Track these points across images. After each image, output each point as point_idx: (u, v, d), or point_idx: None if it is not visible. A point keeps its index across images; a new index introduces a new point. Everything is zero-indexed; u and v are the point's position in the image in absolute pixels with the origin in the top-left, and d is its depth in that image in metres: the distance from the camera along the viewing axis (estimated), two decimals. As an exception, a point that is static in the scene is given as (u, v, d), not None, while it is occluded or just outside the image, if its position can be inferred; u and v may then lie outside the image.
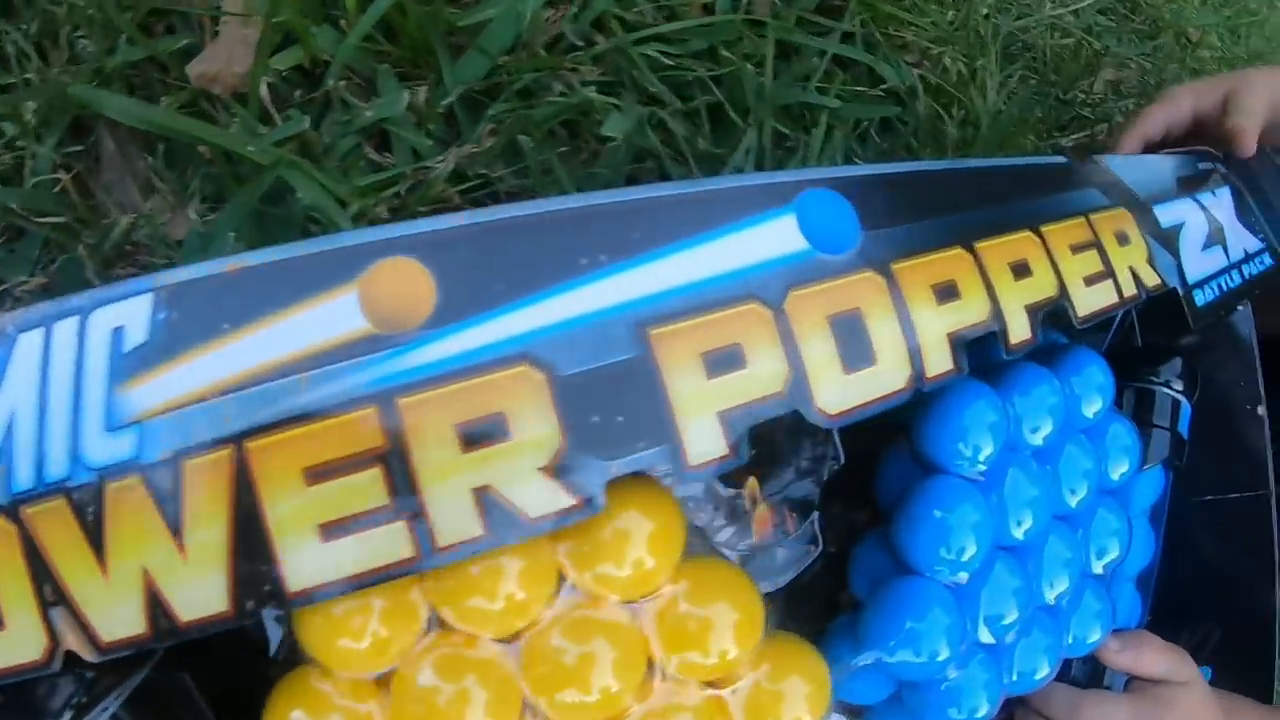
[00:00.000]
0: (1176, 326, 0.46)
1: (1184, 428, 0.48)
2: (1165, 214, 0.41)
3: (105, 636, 0.22)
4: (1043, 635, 0.38)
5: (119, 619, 0.22)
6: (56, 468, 0.22)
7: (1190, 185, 0.45)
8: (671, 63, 0.49)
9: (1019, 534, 0.36)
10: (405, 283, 0.24)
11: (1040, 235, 0.34)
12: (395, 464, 0.23)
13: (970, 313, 0.31)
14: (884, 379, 0.29)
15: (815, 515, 0.38)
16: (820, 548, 0.39)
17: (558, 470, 0.24)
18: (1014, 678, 0.37)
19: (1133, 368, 0.47)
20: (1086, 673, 0.45)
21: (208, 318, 0.23)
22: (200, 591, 0.22)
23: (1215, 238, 0.44)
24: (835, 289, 0.29)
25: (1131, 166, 0.41)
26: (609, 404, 0.25)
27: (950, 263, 0.31)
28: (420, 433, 0.23)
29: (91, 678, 0.27)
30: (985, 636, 0.35)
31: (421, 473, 0.23)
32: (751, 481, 0.37)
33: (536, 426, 0.24)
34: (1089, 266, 0.35)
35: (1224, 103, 0.51)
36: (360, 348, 0.23)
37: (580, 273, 0.25)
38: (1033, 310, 0.33)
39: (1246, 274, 0.45)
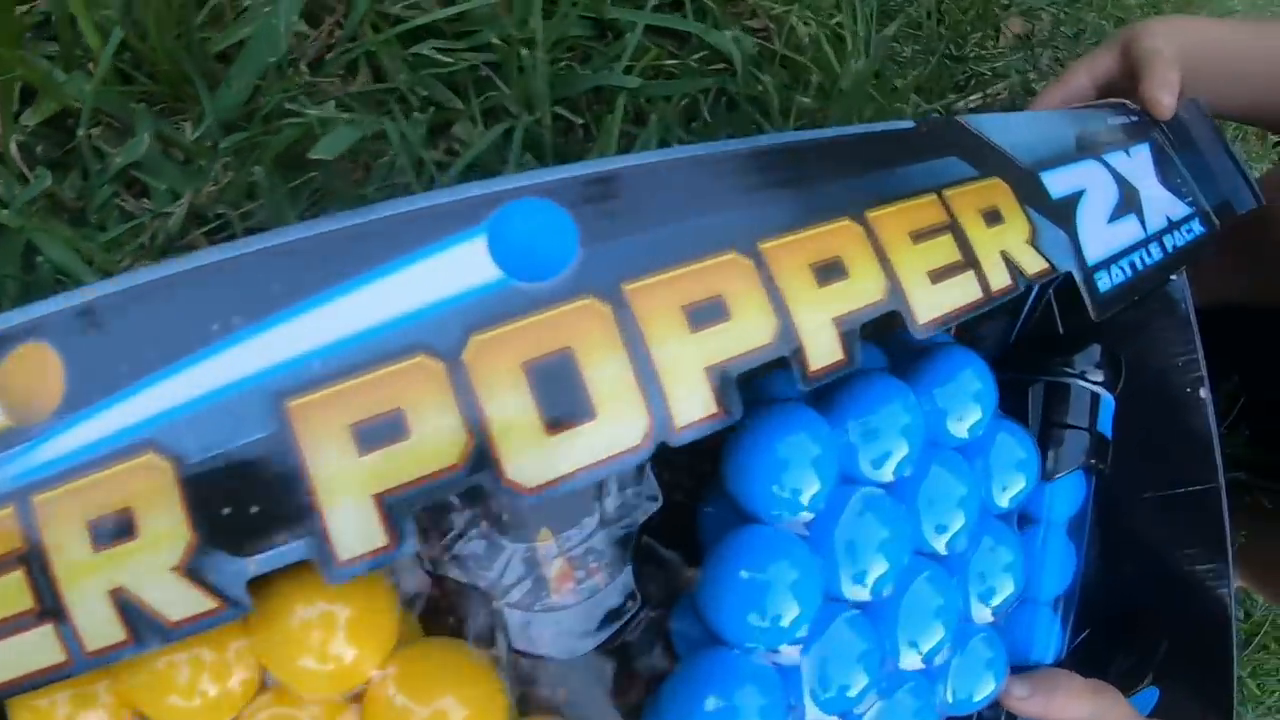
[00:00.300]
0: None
1: (1105, 425, 0.40)
2: (1058, 181, 0.33)
3: None
4: (911, 699, 0.31)
5: None
6: None
7: (1096, 144, 0.37)
8: (452, 60, 0.42)
9: (861, 591, 0.29)
10: (35, 369, 0.21)
11: (865, 223, 0.27)
12: (36, 566, 0.21)
13: (743, 339, 0.24)
14: (609, 434, 0.23)
15: (628, 568, 0.32)
16: (639, 603, 0.33)
17: (190, 570, 0.21)
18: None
19: (1042, 359, 0.40)
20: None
21: None
22: None
23: (1128, 205, 0.36)
24: (536, 326, 0.22)
25: (1012, 126, 0.33)
26: (242, 492, 0.21)
27: (718, 274, 0.24)
28: (54, 532, 0.21)
29: None
30: (816, 714, 0.29)
31: (60, 575, 0.21)
32: (544, 533, 0.31)
33: (164, 522, 0.21)
34: (939, 257, 0.28)
35: (1130, 67, 0.45)
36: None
37: (211, 341, 0.21)
38: (844, 323, 0.26)
39: (1170, 246, 0.37)
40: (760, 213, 0.26)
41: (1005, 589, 0.34)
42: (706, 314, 0.24)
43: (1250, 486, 0.61)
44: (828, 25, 0.52)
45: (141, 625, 0.21)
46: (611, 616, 0.32)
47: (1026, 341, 0.41)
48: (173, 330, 0.21)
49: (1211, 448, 0.42)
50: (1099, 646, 0.51)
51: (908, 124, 0.30)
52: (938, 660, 0.32)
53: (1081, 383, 0.39)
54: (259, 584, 0.21)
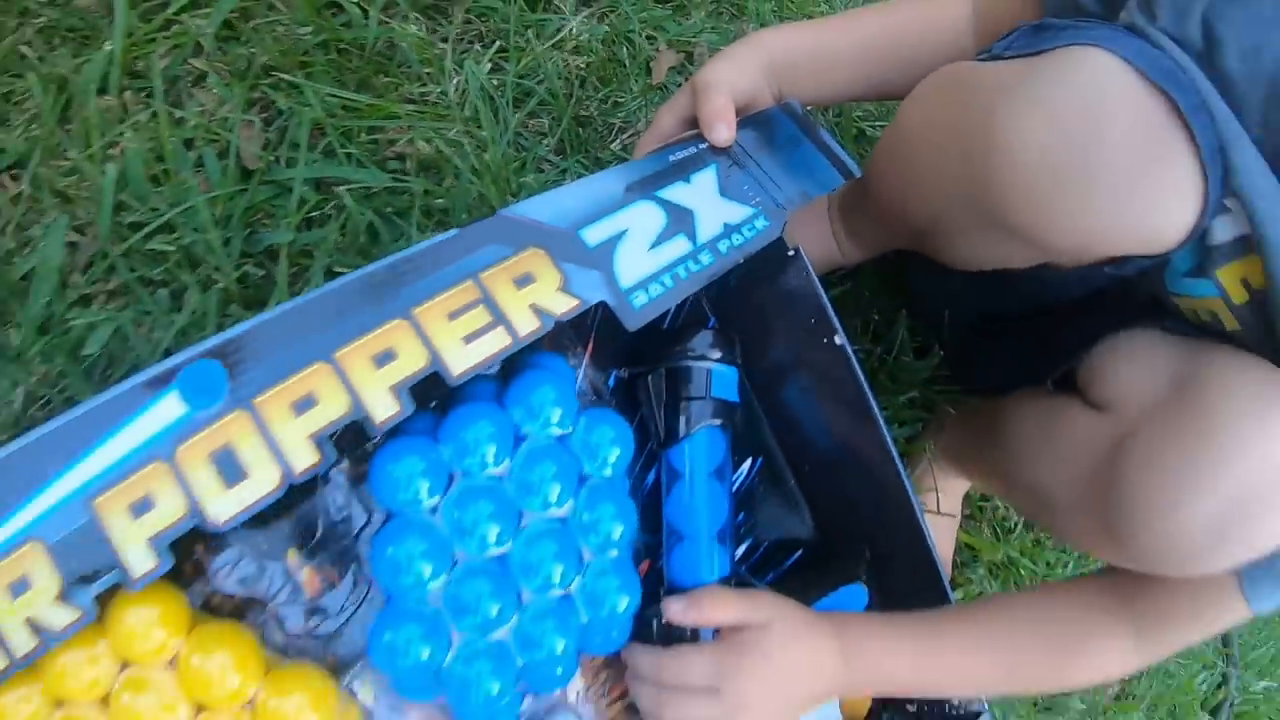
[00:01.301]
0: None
1: (725, 391, 0.53)
2: (596, 232, 0.47)
3: None
4: (554, 619, 0.46)
5: None
6: None
7: (653, 182, 0.49)
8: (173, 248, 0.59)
9: (481, 548, 0.44)
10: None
11: (411, 318, 0.42)
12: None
13: (330, 411, 0.40)
14: (258, 484, 0.39)
15: (353, 566, 0.48)
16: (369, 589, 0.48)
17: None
18: (527, 659, 0.46)
19: (663, 352, 0.54)
20: (674, 633, 0.52)
21: None
22: None
23: (677, 227, 0.49)
24: (211, 433, 0.39)
25: (558, 199, 0.47)
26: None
27: (310, 379, 0.40)
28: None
29: None
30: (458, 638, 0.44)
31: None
32: (291, 551, 0.47)
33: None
34: (471, 325, 0.43)
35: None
36: None
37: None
38: (399, 388, 0.41)
39: (726, 247, 0.49)
40: (344, 326, 0.42)
41: (616, 530, 0.48)
42: (305, 404, 0.40)
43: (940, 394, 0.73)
44: (448, 138, 0.66)
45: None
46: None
47: (646, 340, 0.54)
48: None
49: (860, 385, 0.53)
50: (816, 566, 0.63)
51: (452, 233, 0.45)
52: (556, 593, 0.46)
53: (698, 363, 0.53)
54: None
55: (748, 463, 0.60)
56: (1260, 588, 0.49)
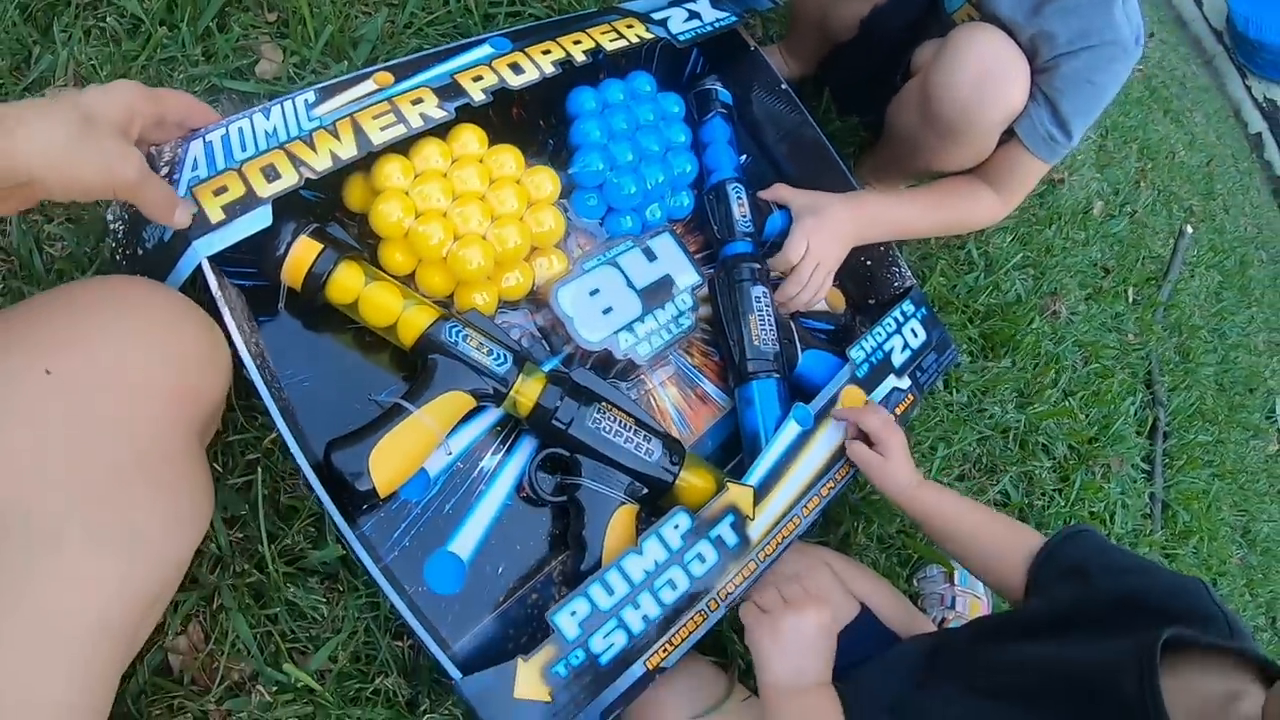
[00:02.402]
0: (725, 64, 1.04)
1: (725, 98, 1.03)
2: (659, 14, 0.98)
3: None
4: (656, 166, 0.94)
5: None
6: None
7: None
8: None
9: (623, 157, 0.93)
10: None
11: (586, 33, 0.93)
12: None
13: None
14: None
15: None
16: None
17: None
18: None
19: (695, 87, 1.05)
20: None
21: None
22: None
23: (694, 17, 1.00)
24: None
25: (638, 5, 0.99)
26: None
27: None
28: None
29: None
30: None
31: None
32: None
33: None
34: (619, 39, 0.93)
35: None
36: None
37: None
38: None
39: (717, 25, 1.00)
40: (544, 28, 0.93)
41: (680, 137, 0.97)
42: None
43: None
44: None
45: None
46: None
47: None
48: None
49: (818, 137, 1.04)
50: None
51: (591, 10, 0.97)
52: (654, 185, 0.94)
53: (711, 85, 1.03)
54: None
55: (743, 155, 1.09)
56: (1037, 148, 0.96)
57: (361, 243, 0.80)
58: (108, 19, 0.83)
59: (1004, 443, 1.23)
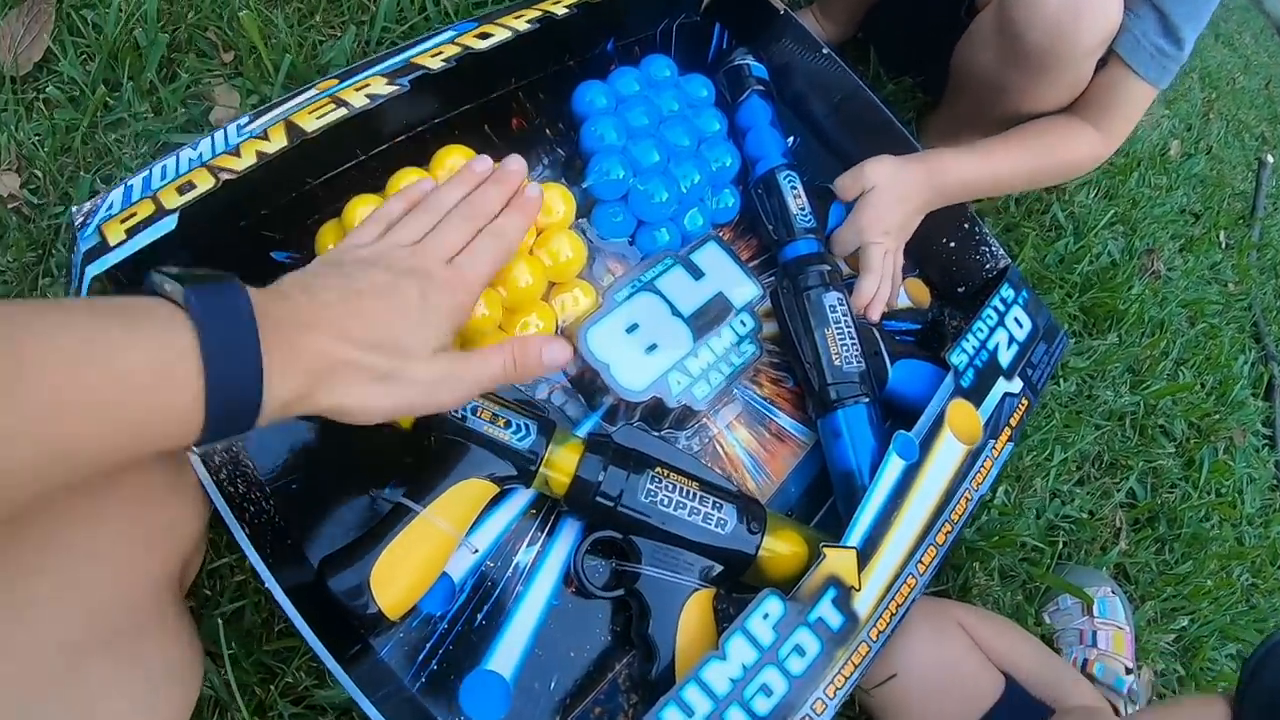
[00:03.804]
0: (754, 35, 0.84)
1: (759, 73, 0.84)
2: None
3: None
4: (691, 164, 0.75)
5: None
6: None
7: None
8: None
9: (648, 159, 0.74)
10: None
11: None
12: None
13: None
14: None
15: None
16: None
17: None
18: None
19: (724, 65, 0.85)
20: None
21: None
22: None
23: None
24: None
25: None
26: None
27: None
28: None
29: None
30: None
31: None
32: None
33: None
34: None
35: None
36: None
37: None
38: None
39: None
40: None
41: (715, 124, 0.78)
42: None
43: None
44: None
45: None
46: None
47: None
48: None
49: (872, 102, 0.84)
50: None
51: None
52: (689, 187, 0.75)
53: (742, 60, 0.84)
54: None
55: (791, 137, 0.89)
56: (1144, 67, 0.76)
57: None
58: (49, 88, 0.70)
59: (1121, 432, 1.02)
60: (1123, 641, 0.83)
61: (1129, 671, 0.80)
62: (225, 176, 0.53)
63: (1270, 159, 1.78)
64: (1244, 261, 1.45)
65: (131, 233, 0.50)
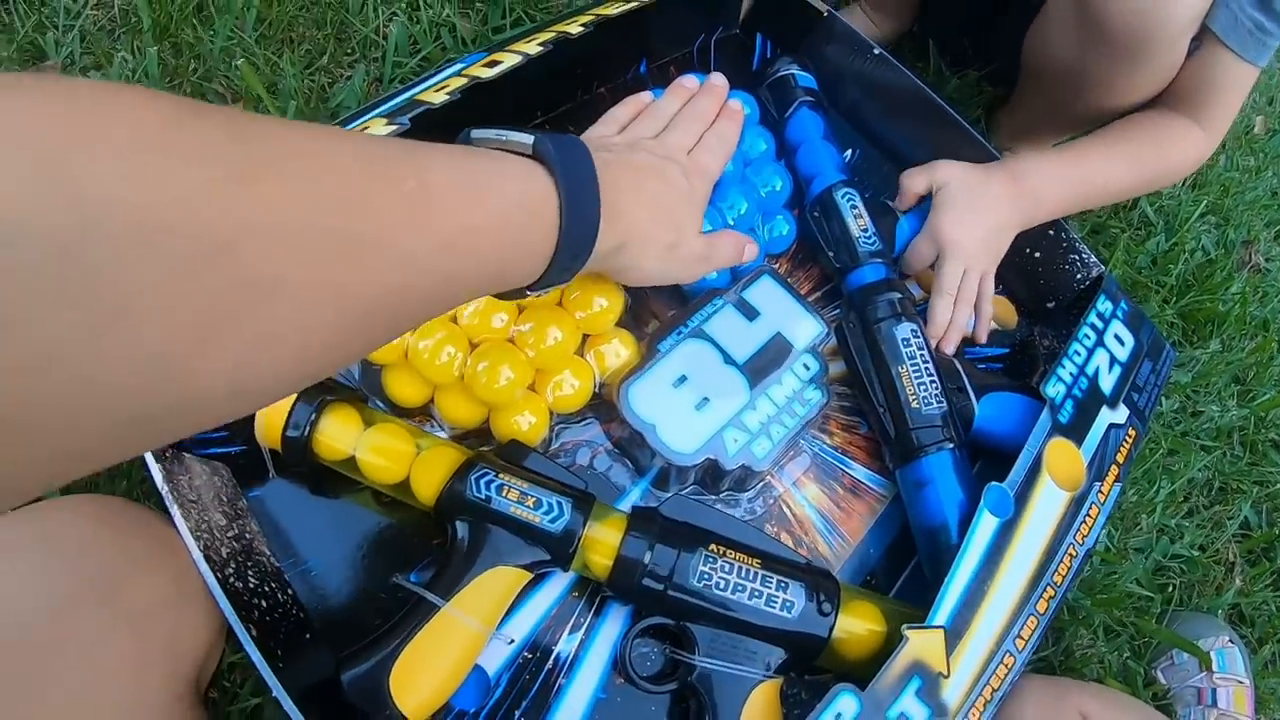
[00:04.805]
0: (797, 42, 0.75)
1: (807, 83, 0.75)
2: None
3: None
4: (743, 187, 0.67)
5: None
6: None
7: None
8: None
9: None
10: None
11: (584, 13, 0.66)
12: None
13: None
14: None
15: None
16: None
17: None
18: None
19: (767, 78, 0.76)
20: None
21: None
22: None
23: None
24: None
25: None
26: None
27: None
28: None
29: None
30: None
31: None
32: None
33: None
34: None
35: None
36: None
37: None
38: None
39: None
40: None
41: (773, 184, 0.68)
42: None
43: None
44: None
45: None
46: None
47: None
48: None
49: (934, 103, 0.72)
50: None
51: None
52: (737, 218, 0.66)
53: (786, 69, 0.75)
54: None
55: (847, 151, 0.79)
56: (1244, 46, 0.65)
57: (366, 376, 0.56)
58: None
59: (1230, 451, 0.89)
60: (1244, 698, 0.72)
61: (1251, 732, 0.69)
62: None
63: (1368, 128, 1.60)
64: (1348, 246, 1.30)
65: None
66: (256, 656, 0.43)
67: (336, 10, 0.73)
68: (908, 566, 0.63)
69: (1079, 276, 0.74)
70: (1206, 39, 0.68)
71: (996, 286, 0.70)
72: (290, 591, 0.51)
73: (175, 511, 0.45)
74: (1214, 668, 0.71)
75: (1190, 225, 1.02)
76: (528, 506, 0.48)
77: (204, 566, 0.45)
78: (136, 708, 0.40)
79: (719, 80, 0.57)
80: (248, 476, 0.53)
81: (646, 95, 0.55)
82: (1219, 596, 0.78)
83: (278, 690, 0.42)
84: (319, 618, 0.51)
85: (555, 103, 0.70)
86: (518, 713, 0.51)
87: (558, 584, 0.54)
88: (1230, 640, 0.74)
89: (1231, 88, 0.70)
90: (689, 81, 0.56)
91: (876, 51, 0.74)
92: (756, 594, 0.50)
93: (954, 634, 0.51)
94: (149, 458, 0.46)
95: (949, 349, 0.67)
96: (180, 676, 0.43)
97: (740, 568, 0.50)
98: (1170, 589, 0.75)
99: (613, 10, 0.63)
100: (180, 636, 0.43)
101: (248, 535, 0.51)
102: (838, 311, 0.68)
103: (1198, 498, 0.84)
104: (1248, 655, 0.74)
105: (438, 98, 0.52)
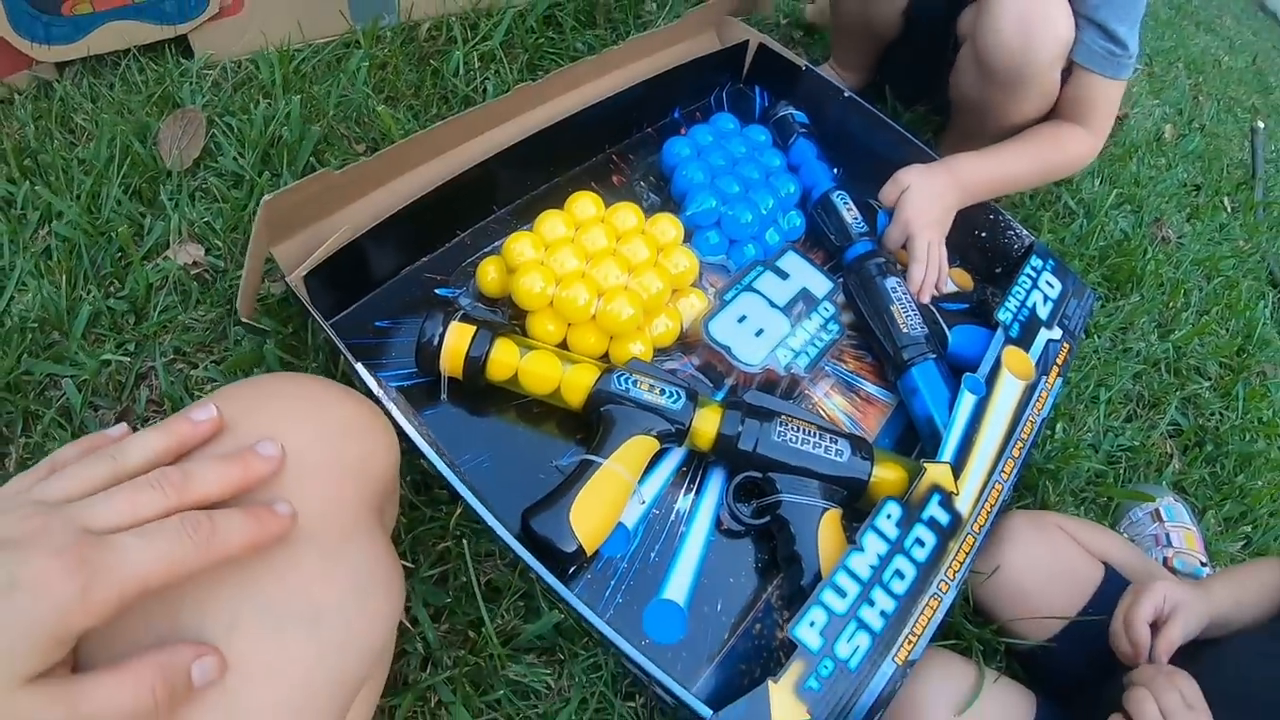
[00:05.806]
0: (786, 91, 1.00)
1: (804, 119, 0.99)
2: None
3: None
4: (764, 190, 0.90)
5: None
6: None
7: None
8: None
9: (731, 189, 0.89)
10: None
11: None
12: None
13: None
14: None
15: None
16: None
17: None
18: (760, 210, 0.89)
19: (770, 117, 1.01)
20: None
21: None
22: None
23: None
24: None
25: None
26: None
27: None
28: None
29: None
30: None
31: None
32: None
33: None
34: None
35: None
36: None
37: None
38: None
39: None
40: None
41: (789, 188, 0.92)
42: None
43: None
44: None
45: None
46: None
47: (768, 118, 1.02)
48: None
49: (894, 131, 0.99)
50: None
51: None
52: (767, 210, 0.90)
53: (785, 110, 1.00)
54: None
55: (835, 169, 1.03)
56: (1103, 68, 0.89)
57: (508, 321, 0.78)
58: (208, 180, 0.84)
59: (1158, 374, 1.11)
60: (1194, 540, 0.91)
61: (1204, 564, 0.89)
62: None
63: (1261, 125, 1.87)
64: (1250, 219, 1.54)
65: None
66: (462, 489, 0.58)
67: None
68: (912, 453, 0.84)
69: (1016, 247, 0.98)
70: (1075, 66, 0.92)
71: (954, 260, 0.93)
72: (468, 477, 0.70)
73: (377, 390, 0.60)
74: (1164, 519, 0.92)
75: (1107, 211, 1.27)
76: (655, 394, 0.69)
77: (408, 426, 0.61)
78: (334, 496, 0.40)
79: (268, 450, 0.37)
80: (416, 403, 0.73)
81: (118, 431, 0.37)
82: (1161, 475, 0.99)
83: (489, 519, 0.58)
84: (494, 497, 0.66)
85: (619, 138, 0.95)
86: (653, 554, 0.71)
87: (671, 461, 0.75)
88: (1174, 499, 0.94)
89: (1103, 99, 0.93)
90: (200, 413, 0.37)
91: (847, 95, 0.99)
92: (817, 445, 0.71)
93: (956, 469, 0.72)
94: (360, 367, 0.61)
95: (925, 299, 0.89)
96: (371, 495, 0.43)
97: (803, 429, 0.71)
98: (1120, 468, 0.95)
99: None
100: (373, 461, 0.43)
101: (430, 434, 0.69)
102: (841, 279, 0.91)
103: (1135, 408, 1.05)
104: (1190, 509, 0.94)
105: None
